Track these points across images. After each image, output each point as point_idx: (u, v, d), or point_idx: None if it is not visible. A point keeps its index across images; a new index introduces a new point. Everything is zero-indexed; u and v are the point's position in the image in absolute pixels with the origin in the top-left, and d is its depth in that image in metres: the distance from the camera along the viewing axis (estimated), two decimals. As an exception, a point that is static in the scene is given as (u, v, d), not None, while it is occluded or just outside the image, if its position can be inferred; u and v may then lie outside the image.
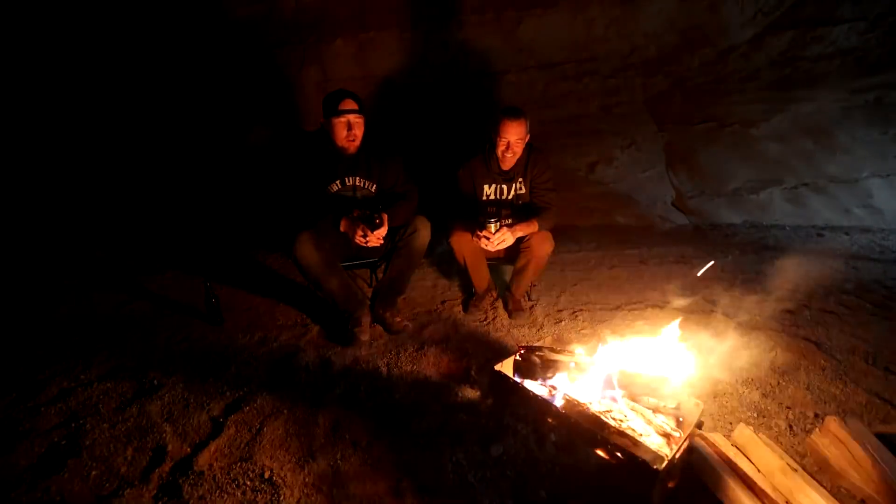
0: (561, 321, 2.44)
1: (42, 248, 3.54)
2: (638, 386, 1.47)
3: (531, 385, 1.54)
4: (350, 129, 2.09)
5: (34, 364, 1.98)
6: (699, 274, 1.74)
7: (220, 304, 2.38)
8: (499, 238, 2.18)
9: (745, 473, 1.28)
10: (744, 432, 1.43)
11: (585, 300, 2.71)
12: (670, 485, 1.27)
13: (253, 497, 1.29)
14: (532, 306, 2.61)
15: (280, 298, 2.66)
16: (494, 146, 2.27)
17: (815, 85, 3.35)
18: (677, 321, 1.68)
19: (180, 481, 1.33)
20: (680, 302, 2.64)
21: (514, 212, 2.38)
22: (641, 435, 1.31)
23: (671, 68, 3.41)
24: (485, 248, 2.22)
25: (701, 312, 2.50)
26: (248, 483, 1.33)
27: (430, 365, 1.97)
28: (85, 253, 3.47)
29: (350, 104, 2.08)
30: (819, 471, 1.37)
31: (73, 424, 1.57)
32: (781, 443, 1.50)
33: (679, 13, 3.13)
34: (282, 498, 1.28)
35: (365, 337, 2.15)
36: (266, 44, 3.53)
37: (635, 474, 1.21)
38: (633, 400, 1.47)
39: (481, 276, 2.43)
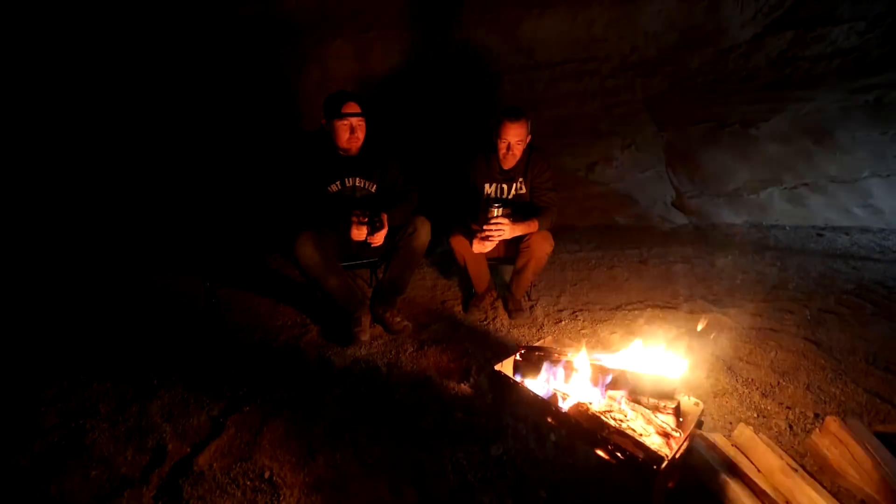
0: (561, 321, 2.44)
1: (43, 249, 3.54)
2: (638, 386, 1.47)
3: (531, 385, 1.54)
4: (353, 133, 2.09)
5: (34, 364, 1.98)
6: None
7: (220, 304, 2.38)
8: (496, 225, 2.15)
9: (745, 473, 1.28)
10: (744, 432, 1.43)
11: (585, 300, 2.71)
12: (670, 485, 1.27)
13: (253, 497, 1.29)
14: (532, 306, 2.61)
15: (280, 298, 2.66)
16: (495, 147, 2.27)
17: (815, 85, 3.35)
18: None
19: (180, 481, 1.33)
20: (679, 302, 2.64)
21: (514, 211, 2.38)
22: (641, 435, 1.31)
23: (671, 68, 3.42)
24: (481, 244, 2.21)
25: (701, 312, 2.50)
26: (248, 483, 1.33)
27: (430, 365, 1.97)
28: (85, 253, 3.47)
29: (353, 107, 2.07)
30: (819, 471, 1.37)
31: (73, 424, 1.57)
32: (781, 443, 1.50)
33: (679, 13, 3.14)
34: (282, 498, 1.28)
35: (365, 337, 2.15)
36: (266, 44, 3.53)
37: (635, 474, 1.21)
38: (633, 400, 1.47)
39: (481, 276, 2.43)
